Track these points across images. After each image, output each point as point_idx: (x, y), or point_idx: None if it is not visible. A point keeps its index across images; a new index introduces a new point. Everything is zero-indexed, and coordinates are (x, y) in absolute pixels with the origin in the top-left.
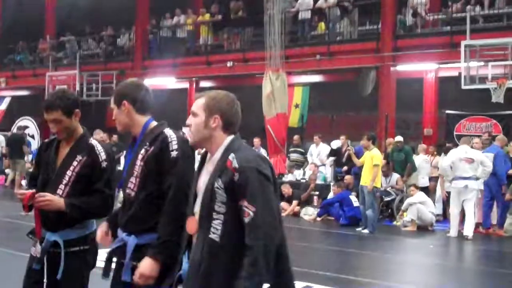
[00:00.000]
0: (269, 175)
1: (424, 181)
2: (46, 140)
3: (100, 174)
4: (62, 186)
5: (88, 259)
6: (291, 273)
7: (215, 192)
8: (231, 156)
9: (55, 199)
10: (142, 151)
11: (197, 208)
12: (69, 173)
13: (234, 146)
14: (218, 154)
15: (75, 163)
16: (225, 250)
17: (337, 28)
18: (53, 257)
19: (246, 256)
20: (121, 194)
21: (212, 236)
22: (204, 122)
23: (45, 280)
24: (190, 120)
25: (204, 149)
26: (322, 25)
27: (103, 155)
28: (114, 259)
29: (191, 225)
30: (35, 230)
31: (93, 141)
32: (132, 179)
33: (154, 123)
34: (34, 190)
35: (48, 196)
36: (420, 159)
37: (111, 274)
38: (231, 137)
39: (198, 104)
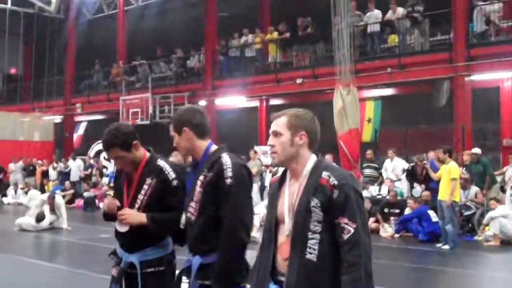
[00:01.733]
0: (362, 193)
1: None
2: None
3: (173, 192)
4: (135, 210)
5: (165, 280)
6: None
7: (311, 211)
8: (325, 174)
9: (135, 213)
10: (201, 177)
11: (286, 230)
12: (140, 197)
13: (322, 164)
14: (306, 172)
15: (145, 186)
16: (324, 271)
17: (407, 39)
18: (131, 277)
19: (348, 273)
20: (183, 216)
21: (308, 256)
22: (290, 140)
23: None
24: (273, 140)
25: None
26: (392, 37)
27: (172, 174)
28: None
29: (284, 249)
30: (116, 250)
31: (161, 162)
32: (193, 204)
33: (214, 147)
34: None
35: (127, 210)
36: None
37: None
38: (314, 156)
39: (280, 123)
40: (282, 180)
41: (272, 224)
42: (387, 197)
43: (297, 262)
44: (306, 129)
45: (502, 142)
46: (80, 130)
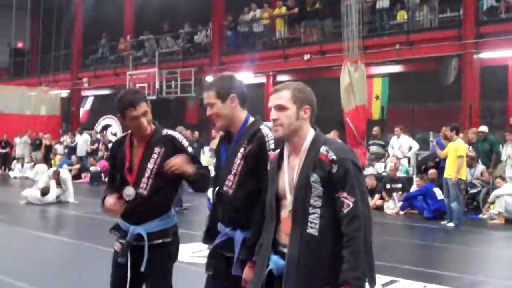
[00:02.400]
0: (361, 167)
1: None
2: (118, 139)
3: (193, 158)
4: (145, 180)
5: (171, 252)
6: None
7: (311, 186)
8: (324, 149)
9: (184, 160)
10: (241, 149)
11: (288, 205)
12: (150, 165)
13: (321, 138)
14: (305, 147)
15: (154, 155)
16: (325, 244)
17: (416, 16)
18: (137, 250)
19: (348, 247)
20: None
21: (310, 231)
22: (296, 113)
23: (128, 273)
24: (277, 114)
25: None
26: (401, 13)
27: (185, 142)
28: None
29: (287, 224)
30: (117, 225)
31: (170, 131)
32: (230, 177)
33: (252, 119)
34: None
35: (174, 160)
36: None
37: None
38: (312, 129)
39: (285, 97)
40: (280, 156)
41: (273, 200)
42: (387, 173)
43: (299, 237)
44: (310, 103)
45: (509, 120)
46: (87, 105)
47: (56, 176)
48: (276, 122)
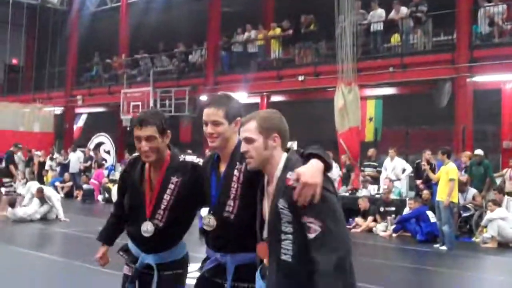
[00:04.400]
0: (329, 188)
1: None
2: (129, 160)
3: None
4: (160, 212)
5: (181, 283)
6: None
7: (279, 213)
8: (290, 174)
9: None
10: (235, 171)
11: (266, 232)
12: (167, 197)
13: (291, 163)
14: (278, 173)
15: (171, 186)
16: (299, 270)
17: (410, 39)
18: (146, 278)
19: (316, 271)
20: (207, 218)
21: (283, 257)
22: (263, 144)
23: None
24: (247, 146)
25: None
26: (395, 36)
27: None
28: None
29: (263, 250)
30: (127, 247)
31: (188, 158)
32: (230, 202)
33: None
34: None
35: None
36: None
37: None
38: (285, 154)
39: (251, 129)
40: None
41: (259, 225)
42: (381, 195)
43: (275, 264)
44: (278, 130)
45: (502, 144)
46: (80, 122)
47: (40, 194)
48: (247, 155)
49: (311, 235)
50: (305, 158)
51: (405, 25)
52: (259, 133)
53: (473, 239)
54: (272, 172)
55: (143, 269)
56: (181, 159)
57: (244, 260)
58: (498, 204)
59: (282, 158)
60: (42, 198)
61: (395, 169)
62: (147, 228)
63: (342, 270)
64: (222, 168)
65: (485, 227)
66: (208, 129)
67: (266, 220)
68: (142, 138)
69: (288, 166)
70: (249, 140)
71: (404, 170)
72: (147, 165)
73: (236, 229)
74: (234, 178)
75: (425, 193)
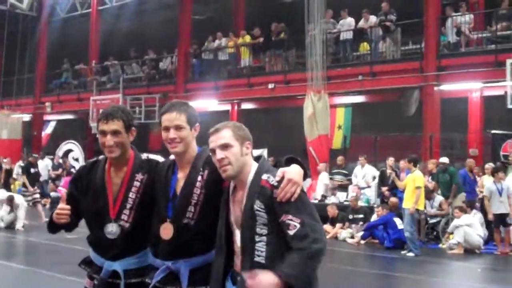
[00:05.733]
0: (304, 190)
1: None
2: (85, 164)
3: None
4: (126, 211)
5: None
6: None
7: (255, 216)
8: (265, 176)
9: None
10: (199, 177)
11: (237, 239)
12: (132, 195)
13: (264, 168)
14: (249, 179)
15: (136, 183)
16: (274, 271)
17: (379, 48)
18: (110, 287)
19: (290, 256)
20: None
21: (257, 259)
22: (240, 150)
23: None
24: (223, 153)
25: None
26: (364, 45)
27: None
28: None
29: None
30: (88, 259)
31: (151, 156)
32: (191, 208)
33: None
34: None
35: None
36: None
37: None
38: (255, 163)
39: (227, 136)
40: (227, 191)
41: (222, 231)
42: (349, 203)
43: (248, 265)
44: (249, 138)
45: (468, 152)
46: (49, 129)
47: (10, 202)
48: (223, 162)
49: (291, 232)
50: (285, 163)
51: (374, 34)
52: (235, 139)
53: (440, 245)
54: (243, 179)
55: (108, 278)
56: (146, 156)
57: (198, 264)
58: (464, 210)
59: (253, 165)
60: (11, 206)
61: (366, 176)
62: (112, 229)
63: (317, 261)
64: (181, 174)
65: (451, 233)
66: (170, 134)
67: (235, 227)
68: (107, 132)
69: (261, 171)
70: (226, 146)
71: (374, 178)
72: (107, 166)
73: (194, 235)
74: (197, 184)
75: (392, 200)
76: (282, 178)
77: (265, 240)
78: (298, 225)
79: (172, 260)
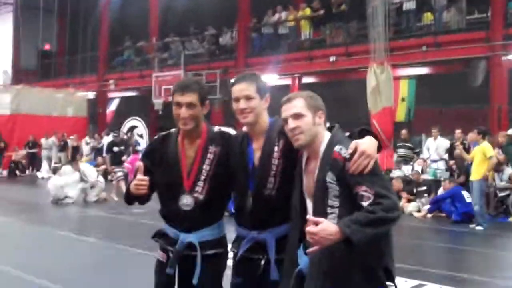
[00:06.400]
0: (377, 162)
1: None
2: (159, 136)
3: None
4: (200, 183)
5: (222, 265)
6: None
7: (327, 187)
8: (337, 148)
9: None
10: (275, 147)
11: (310, 209)
12: (206, 167)
13: (337, 139)
14: (322, 149)
15: (210, 155)
16: (343, 245)
17: (443, 18)
18: (186, 261)
19: (358, 213)
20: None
21: None
22: (312, 119)
23: (176, 286)
24: (296, 122)
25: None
26: (428, 15)
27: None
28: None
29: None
30: (162, 231)
31: (223, 128)
32: (271, 179)
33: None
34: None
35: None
36: None
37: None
38: (328, 133)
39: (300, 105)
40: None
41: (298, 200)
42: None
43: None
44: (322, 108)
45: None
46: (113, 106)
47: (76, 166)
48: (295, 131)
49: (365, 203)
50: (358, 134)
51: (438, 3)
52: (308, 109)
53: (509, 219)
54: (316, 149)
55: (183, 251)
56: (219, 129)
57: (282, 233)
58: None
59: (326, 135)
60: (78, 171)
61: (438, 149)
62: (186, 201)
63: (382, 226)
64: (255, 145)
65: None
66: (240, 104)
67: (307, 197)
68: (182, 104)
69: (333, 142)
70: (298, 116)
71: (447, 150)
72: (179, 139)
73: (276, 204)
74: (275, 155)
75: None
76: (355, 150)
77: (336, 212)
78: (372, 196)
79: (258, 230)
